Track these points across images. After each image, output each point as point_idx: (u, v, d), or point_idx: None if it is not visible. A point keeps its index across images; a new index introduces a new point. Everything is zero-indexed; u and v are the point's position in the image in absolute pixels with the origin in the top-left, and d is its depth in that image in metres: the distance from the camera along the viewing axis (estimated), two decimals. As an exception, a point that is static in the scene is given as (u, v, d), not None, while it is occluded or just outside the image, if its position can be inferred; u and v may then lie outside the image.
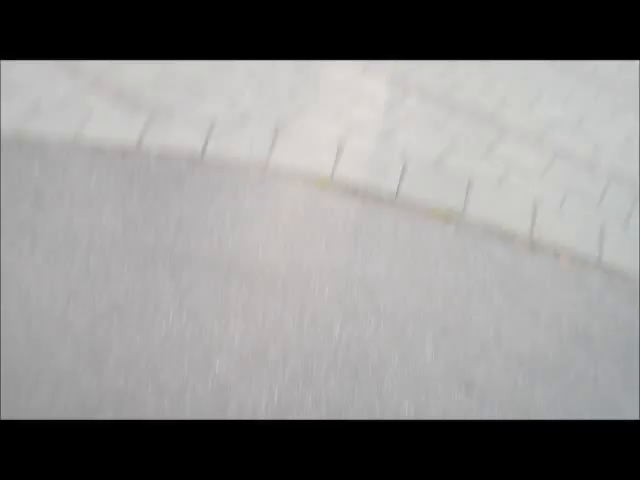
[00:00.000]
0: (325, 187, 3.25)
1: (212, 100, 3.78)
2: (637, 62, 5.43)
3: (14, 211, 2.75)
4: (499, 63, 4.86)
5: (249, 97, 3.87)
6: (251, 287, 2.58)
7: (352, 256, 2.87)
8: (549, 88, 4.64)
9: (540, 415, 2.32)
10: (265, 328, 2.42)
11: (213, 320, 2.40)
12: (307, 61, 4.32)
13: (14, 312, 2.28)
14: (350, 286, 2.67)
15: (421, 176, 3.44)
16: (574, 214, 3.38)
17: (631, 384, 2.50)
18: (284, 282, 2.63)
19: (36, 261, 2.51)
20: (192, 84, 3.87)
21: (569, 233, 3.25)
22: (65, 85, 3.71)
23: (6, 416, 2.02)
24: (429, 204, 3.25)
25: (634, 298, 2.94)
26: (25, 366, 2.12)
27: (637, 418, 2.58)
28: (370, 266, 2.82)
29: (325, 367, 2.30)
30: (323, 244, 2.91)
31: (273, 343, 2.36)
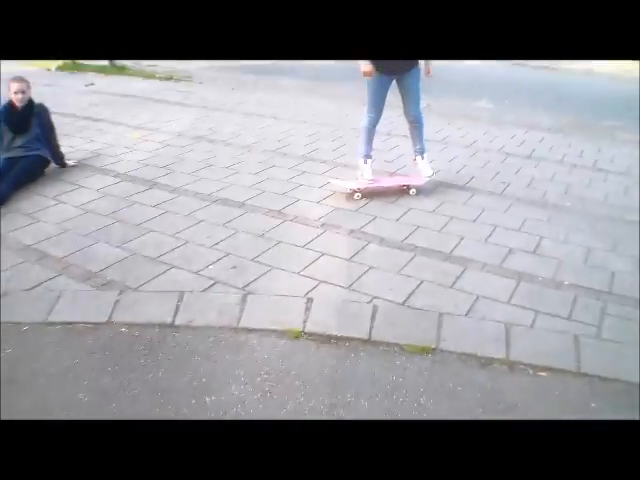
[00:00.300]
0: (298, 339, 3.28)
1: (179, 270, 3.90)
2: (583, 185, 5.72)
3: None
4: (452, 203, 5.10)
5: (216, 263, 3.99)
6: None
7: (333, 401, 2.84)
8: (502, 220, 4.82)
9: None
10: None
11: None
12: (269, 224, 4.52)
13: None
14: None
15: (392, 317, 3.49)
16: (547, 331, 3.40)
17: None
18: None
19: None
20: (157, 259, 4.01)
21: (545, 349, 3.25)
22: (34, 268, 3.86)
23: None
24: (403, 342, 3.27)
25: (618, 399, 2.90)
26: None
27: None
28: (351, 410, 2.78)
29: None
30: (300, 394, 2.89)
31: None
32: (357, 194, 5.22)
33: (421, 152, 5.47)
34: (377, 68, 4.95)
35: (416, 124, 5.35)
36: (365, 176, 5.37)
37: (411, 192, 5.34)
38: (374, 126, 5.34)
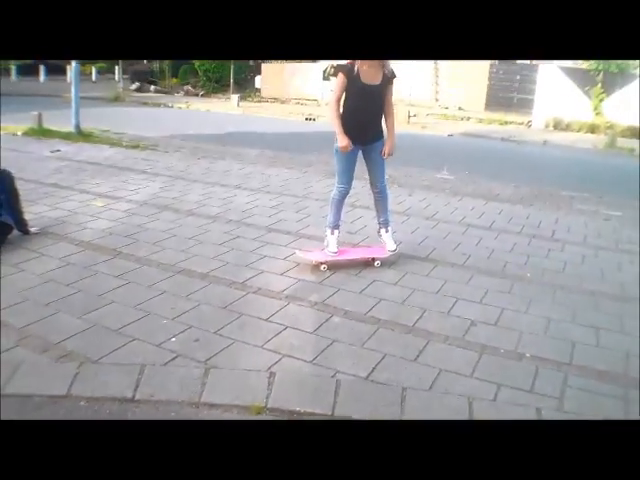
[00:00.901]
0: (261, 414, 3.24)
1: (140, 343, 3.86)
2: (542, 256, 5.85)
3: None
4: (414, 274, 5.16)
5: (178, 336, 3.96)
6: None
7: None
8: (464, 292, 4.89)
9: None
10: None
11: None
12: (232, 296, 4.51)
13: None
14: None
15: (355, 392, 3.47)
16: (509, 403, 3.41)
17: None
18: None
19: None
20: (118, 330, 3.96)
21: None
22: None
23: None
24: (366, 417, 3.25)
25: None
26: None
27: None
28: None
29: None
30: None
31: None
32: (323, 266, 5.24)
33: (385, 224, 5.53)
34: (347, 133, 5.05)
35: (381, 195, 5.44)
36: (330, 247, 5.40)
37: (376, 264, 5.39)
38: (344, 197, 5.40)
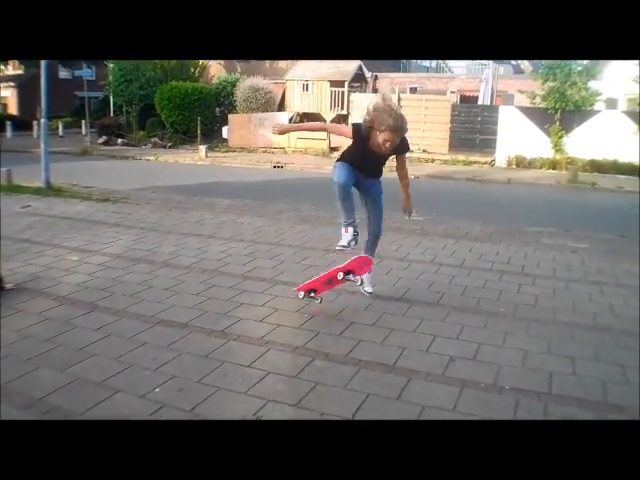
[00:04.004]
0: (248, 461, 3.25)
1: (124, 395, 3.86)
2: (514, 291, 5.98)
3: None
4: (391, 315, 5.24)
5: (162, 386, 3.98)
6: None
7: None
8: (441, 329, 4.98)
9: None
10: None
11: None
12: (213, 344, 4.54)
13: None
14: None
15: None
16: (484, 418, 3.47)
17: None
18: None
19: None
20: (101, 383, 3.95)
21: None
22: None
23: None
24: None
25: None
26: None
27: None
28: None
29: None
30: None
31: None
32: (300, 293, 5.31)
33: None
34: (347, 160, 5.06)
35: (376, 240, 5.47)
36: (340, 241, 5.21)
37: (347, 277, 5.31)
38: (346, 188, 5.03)
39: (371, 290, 5.57)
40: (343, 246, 5.20)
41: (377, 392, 3.95)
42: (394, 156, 5.17)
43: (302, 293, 5.35)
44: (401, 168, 5.23)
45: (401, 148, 5.00)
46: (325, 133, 24.36)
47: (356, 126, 4.96)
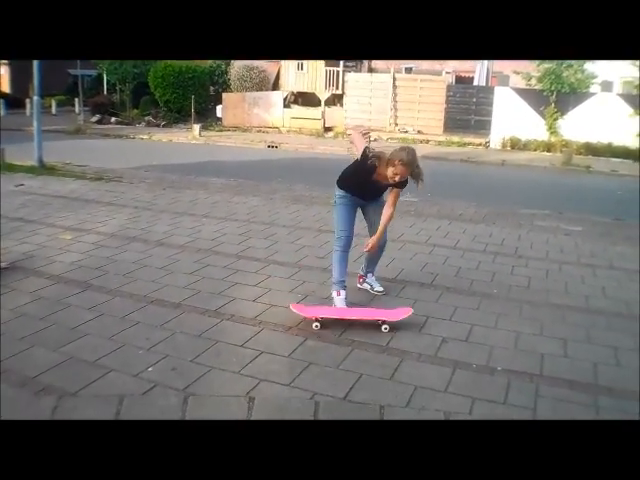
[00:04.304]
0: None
1: (117, 374, 3.88)
2: (507, 272, 6.01)
3: None
4: (384, 295, 5.26)
5: (155, 365, 4.00)
6: None
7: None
8: (434, 310, 5.00)
9: None
10: None
11: None
12: (206, 324, 4.55)
13: None
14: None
15: (334, 412, 3.53)
16: (485, 416, 3.50)
17: None
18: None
19: None
20: (94, 362, 3.96)
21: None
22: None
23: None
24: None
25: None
26: None
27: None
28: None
29: None
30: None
31: None
32: (315, 324, 4.62)
33: (372, 272, 5.50)
34: (346, 189, 5.05)
35: (381, 250, 5.35)
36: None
37: (383, 329, 4.60)
38: (347, 248, 5.06)
39: (382, 289, 5.44)
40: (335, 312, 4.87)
41: (370, 372, 3.97)
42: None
43: (317, 325, 4.65)
44: (391, 203, 5.01)
45: (400, 184, 4.92)
46: (320, 113, 24.49)
47: (367, 150, 4.87)
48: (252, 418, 3.45)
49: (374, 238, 5.05)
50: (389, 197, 5.04)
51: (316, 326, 4.62)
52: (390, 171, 4.72)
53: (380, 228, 5.05)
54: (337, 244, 5.07)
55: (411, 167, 4.71)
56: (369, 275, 5.52)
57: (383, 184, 4.98)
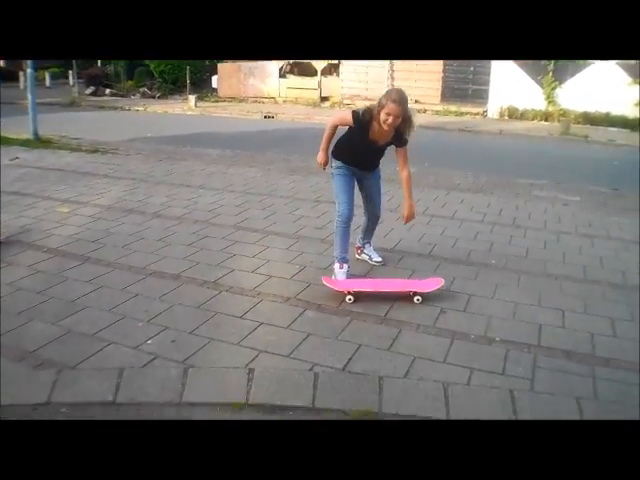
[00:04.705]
0: (242, 410, 3.29)
1: (117, 346, 3.89)
2: (505, 243, 6.01)
3: None
4: (382, 266, 5.26)
5: (154, 338, 4.00)
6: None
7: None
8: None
9: None
10: None
11: None
12: (205, 295, 4.55)
13: None
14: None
15: (333, 384, 3.55)
16: (483, 387, 3.52)
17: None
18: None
19: None
20: (94, 335, 3.97)
21: (483, 405, 3.37)
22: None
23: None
24: (345, 407, 3.33)
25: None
26: None
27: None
28: None
29: None
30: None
31: None
32: (349, 297, 4.59)
33: (369, 242, 5.49)
34: (342, 159, 4.96)
35: (376, 223, 5.35)
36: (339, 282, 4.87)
37: (415, 299, 4.60)
38: (348, 222, 4.96)
39: (380, 259, 5.46)
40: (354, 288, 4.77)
41: (368, 343, 3.98)
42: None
43: (351, 298, 4.61)
44: (402, 165, 4.92)
45: (398, 139, 4.80)
46: (316, 83, 24.29)
47: (355, 113, 4.78)
48: (251, 390, 3.47)
49: (406, 206, 4.99)
50: (398, 160, 4.92)
51: (349, 299, 4.57)
52: (383, 114, 4.52)
53: (406, 193, 4.96)
54: (338, 219, 4.96)
55: (403, 105, 4.52)
56: (367, 245, 5.50)
57: (380, 145, 4.87)
